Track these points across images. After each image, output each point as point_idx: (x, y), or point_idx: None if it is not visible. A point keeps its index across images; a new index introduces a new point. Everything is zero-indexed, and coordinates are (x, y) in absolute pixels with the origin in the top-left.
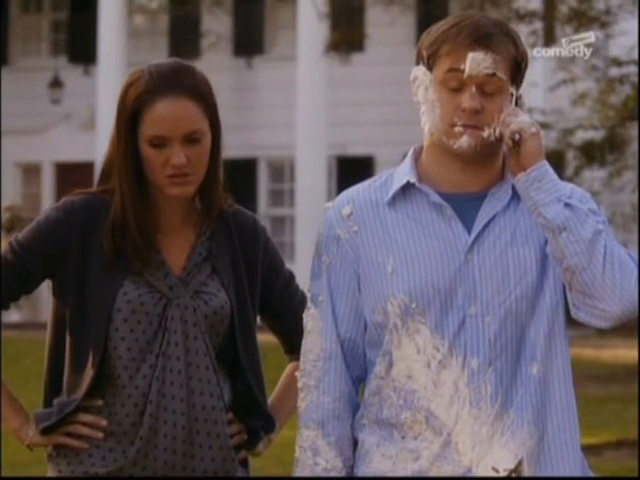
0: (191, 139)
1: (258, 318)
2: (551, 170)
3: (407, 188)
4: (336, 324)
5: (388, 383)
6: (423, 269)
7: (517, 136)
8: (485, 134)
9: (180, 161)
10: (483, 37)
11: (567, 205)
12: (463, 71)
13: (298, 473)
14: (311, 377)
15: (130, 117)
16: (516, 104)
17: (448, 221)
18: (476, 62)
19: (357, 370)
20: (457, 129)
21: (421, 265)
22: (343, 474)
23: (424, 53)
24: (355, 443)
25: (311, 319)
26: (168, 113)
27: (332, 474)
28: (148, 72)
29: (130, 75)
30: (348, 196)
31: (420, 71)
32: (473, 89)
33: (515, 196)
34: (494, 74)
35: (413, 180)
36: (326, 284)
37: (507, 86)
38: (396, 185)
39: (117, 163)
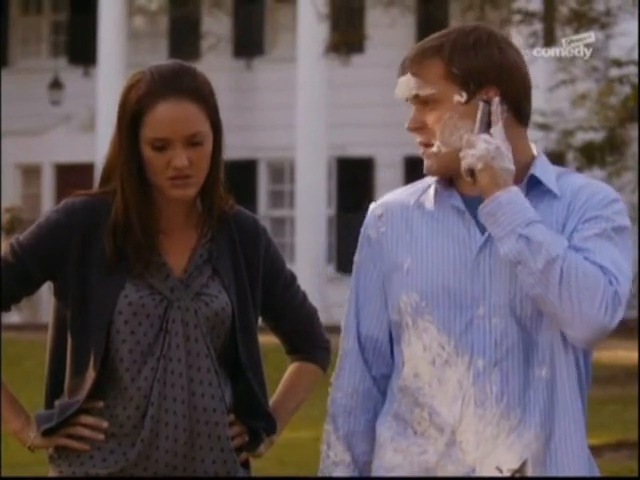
0: (193, 141)
1: (260, 319)
2: (507, 200)
3: (436, 190)
4: (358, 322)
5: (402, 380)
6: (435, 269)
7: (470, 172)
8: (434, 149)
9: (182, 163)
10: (405, 61)
11: (521, 236)
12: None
13: (320, 466)
14: (334, 372)
15: (131, 120)
16: (489, 110)
17: (466, 223)
18: (402, 86)
19: (383, 367)
20: (420, 151)
21: (434, 265)
22: (351, 468)
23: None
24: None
25: (343, 316)
26: (169, 115)
27: (339, 467)
28: (149, 74)
29: (130, 78)
30: (386, 197)
31: None
32: (413, 109)
33: (532, 198)
34: (417, 95)
35: (437, 185)
36: (354, 283)
37: (445, 96)
38: (424, 188)
39: (119, 165)
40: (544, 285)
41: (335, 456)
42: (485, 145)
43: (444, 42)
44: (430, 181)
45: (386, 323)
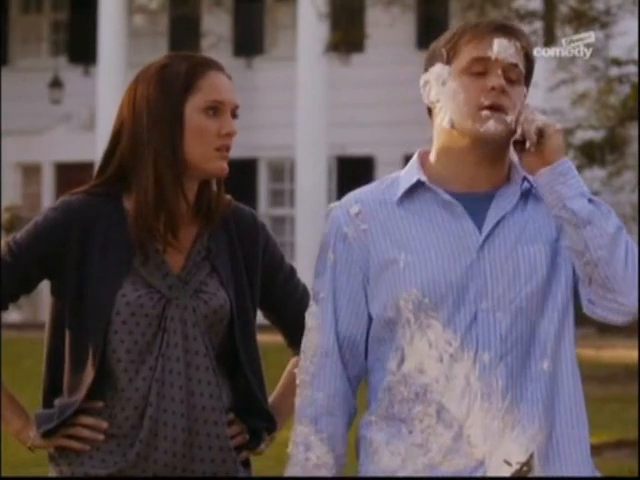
0: (234, 115)
1: (262, 313)
2: (573, 166)
3: (416, 188)
4: (336, 322)
5: (399, 378)
6: (435, 264)
7: (540, 132)
8: (509, 119)
9: (233, 128)
10: (505, 26)
11: (590, 200)
12: (488, 59)
13: (289, 468)
14: (307, 373)
15: (181, 89)
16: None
17: (458, 219)
18: (503, 47)
19: (356, 369)
20: (484, 113)
21: (433, 260)
22: (334, 471)
23: (442, 50)
24: (358, 441)
25: (312, 317)
26: (221, 82)
27: (322, 470)
28: (175, 55)
29: (152, 66)
30: (356, 196)
31: (436, 69)
32: (499, 71)
33: (523, 198)
34: (516, 65)
35: (423, 179)
36: (329, 282)
37: (522, 78)
38: (405, 184)
39: (156, 141)
40: (612, 248)
41: (318, 459)
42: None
43: (518, 27)
44: (395, 176)
45: (365, 322)
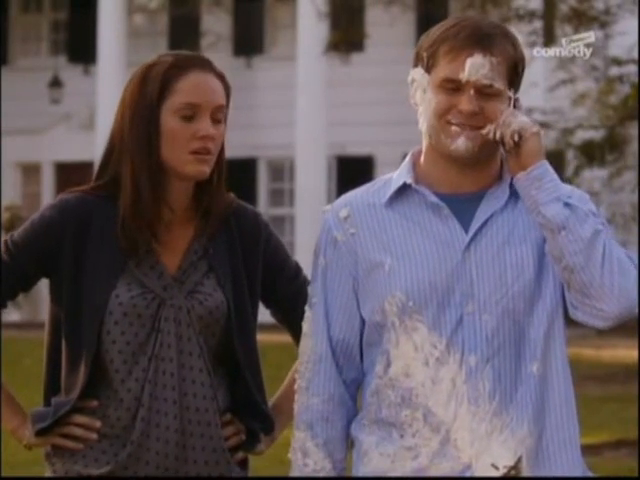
0: (217, 117)
1: (269, 312)
2: (551, 169)
3: (404, 189)
4: (329, 326)
5: (386, 382)
6: (420, 267)
7: (517, 136)
8: (484, 131)
9: (209, 131)
10: (483, 38)
11: (567, 204)
12: (459, 81)
13: (291, 474)
14: (303, 379)
15: (157, 91)
16: (514, 107)
17: (445, 220)
18: (475, 68)
19: (352, 372)
20: (454, 128)
21: (418, 263)
22: (332, 475)
23: (423, 54)
24: (352, 444)
25: (306, 322)
26: (201, 83)
27: (321, 475)
28: (170, 55)
29: (143, 64)
30: (346, 199)
31: (418, 73)
32: (471, 92)
33: (513, 196)
34: (491, 85)
35: (409, 181)
36: (320, 286)
37: (505, 91)
38: (393, 187)
39: (133, 143)
40: (587, 254)
41: (315, 464)
42: (529, 119)
43: (509, 32)
44: (388, 177)
45: (357, 326)
